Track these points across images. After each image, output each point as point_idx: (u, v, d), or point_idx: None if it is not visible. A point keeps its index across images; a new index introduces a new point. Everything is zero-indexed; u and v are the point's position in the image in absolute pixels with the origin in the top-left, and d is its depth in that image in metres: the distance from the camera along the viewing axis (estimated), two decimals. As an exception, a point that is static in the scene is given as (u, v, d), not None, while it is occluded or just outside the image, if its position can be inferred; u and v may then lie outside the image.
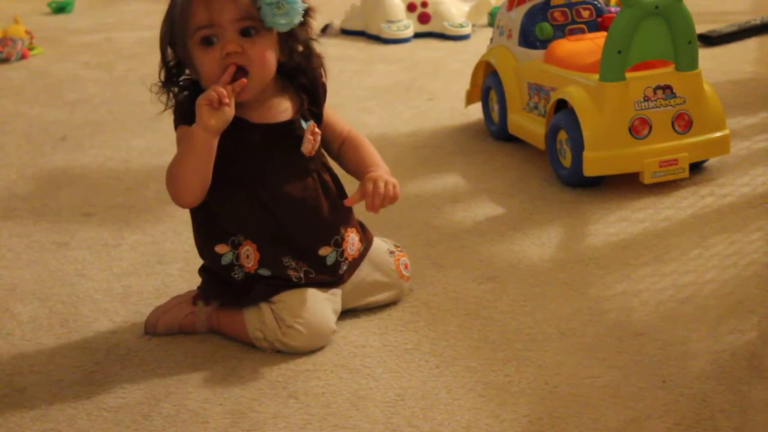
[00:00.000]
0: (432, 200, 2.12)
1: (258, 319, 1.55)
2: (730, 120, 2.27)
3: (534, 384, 1.45)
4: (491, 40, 2.54)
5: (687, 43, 2.11)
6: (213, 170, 1.50)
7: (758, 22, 3.44)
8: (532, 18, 2.36)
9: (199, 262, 1.87)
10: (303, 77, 1.58)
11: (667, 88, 2.11)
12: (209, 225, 1.57)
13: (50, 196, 2.25)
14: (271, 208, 1.54)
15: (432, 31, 3.63)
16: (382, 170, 1.60)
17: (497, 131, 2.45)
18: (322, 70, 1.60)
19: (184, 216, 2.08)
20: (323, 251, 1.58)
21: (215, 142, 1.48)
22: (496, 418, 1.38)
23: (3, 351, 1.60)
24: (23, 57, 3.50)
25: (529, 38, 2.36)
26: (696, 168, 2.19)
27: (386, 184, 1.55)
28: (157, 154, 2.49)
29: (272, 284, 1.56)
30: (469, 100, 2.58)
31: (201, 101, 1.46)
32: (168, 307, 1.63)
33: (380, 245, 1.69)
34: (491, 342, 1.57)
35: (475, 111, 2.59)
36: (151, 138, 2.61)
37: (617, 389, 1.43)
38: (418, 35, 3.61)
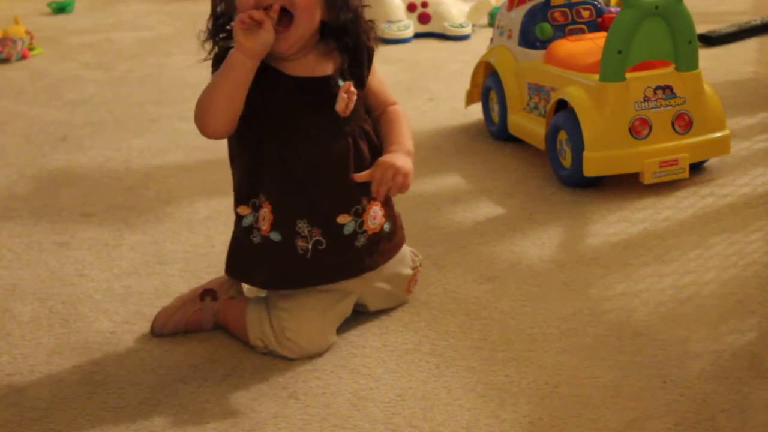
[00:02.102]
0: (432, 200, 2.12)
1: (259, 329, 1.55)
2: (730, 120, 2.27)
3: (534, 384, 1.45)
4: (491, 40, 2.54)
5: (687, 44, 2.11)
6: (244, 120, 1.48)
7: (758, 22, 3.45)
8: (532, 18, 2.36)
9: (199, 262, 1.87)
10: (348, 38, 1.55)
11: (667, 89, 2.11)
12: (238, 186, 1.56)
13: (50, 196, 2.25)
14: (296, 164, 1.51)
15: (432, 31, 3.63)
16: (402, 151, 1.56)
17: (497, 131, 2.45)
18: (371, 34, 1.57)
19: (184, 216, 2.09)
20: (342, 219, 1.54)
21: (252, 67, 1.45)
22: (496, 418, 1.38)
23: (3, 351, 1.60)
24: (23, 57, 3.51)
25: (529, 38, 2.36)
26: (696, 168, 2.19)
27: (396, 173, 1.51)
28: (157, 154, 2.49)
29: (281, 271, 1.53)
30: (469, 100, 2.58)
31: (235, 26, 1.44)
32: (174, 307, 1.62)
33: (406, 260, 1.66)
34: (491, 342, 1.57)
35: (475, 111, 2.59)
36: (151, 138, 2.61)
37: (617, 389, 1.43)
38: (418, 35, 3.61)
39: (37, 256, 1.94)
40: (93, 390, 1.48)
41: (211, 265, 1.85)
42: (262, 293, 1.63)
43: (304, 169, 1.52)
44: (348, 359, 1.54)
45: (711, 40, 3.30)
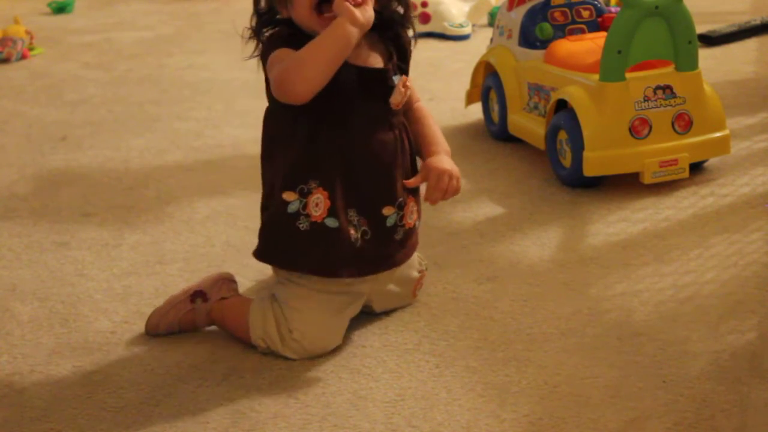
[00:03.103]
0: (432, 200, 2.11)
1: (262, 329, 1.54)
2: (730, 120, 2.27)
3: (534, 384, 1.45)
4: (491, 40, 2.54)
5: (687, 43, 2.11)
6: (304, 105, 1.48)
7: (758, 22, 3.45)
8: (532, 18, 2.36)
9: (199, 261, 1.87)
10: (398, 28, 1.58)
11: (667, 88, 2.11)
12: (281, 171, 1.55)
13: (50, 196, 2.25)
14: (350, 153, 1.52)
15: (432, 31, 3.63)
16: (443, 152, 1.60)
17: (497, 131, 2.45)
18: (411, 32, 1.61)
19: (184, 216, 2.09)
20: (386, 211, 1.56)
21: (357, 40, 1.47)
22: (496, 418, 1.38)
23: (3, 351, 1.60)
24: (23, 57, 3.50)
25: (529, 38, 2.36)
26: (696, 168, 2.19)
27: (450, 177, 1.55)
28: (157, 154, 2.49)
29: (332, 257, 1.53)
30: (469, 100, 2.58)
31: (339, 2, 1.45)
32: (166, 308, 1.62)
33: (414, 263, 1.67)
34: (491, 342, 1.57)
35: (475, 111, 2.59)
36: (151, 138, 2.61)
37: (617, 389, 1.43)
38: (418, 35, 3.61)
39: (37, 256, 1.94)
40: (93, 390, 1.48)
41: (211, 265, 1.85)
42: (264, 293, 1.63)
43: (358, 158, 1.53)
44: (348, 359, 1.54)
45: (711, 40, 3.30)
